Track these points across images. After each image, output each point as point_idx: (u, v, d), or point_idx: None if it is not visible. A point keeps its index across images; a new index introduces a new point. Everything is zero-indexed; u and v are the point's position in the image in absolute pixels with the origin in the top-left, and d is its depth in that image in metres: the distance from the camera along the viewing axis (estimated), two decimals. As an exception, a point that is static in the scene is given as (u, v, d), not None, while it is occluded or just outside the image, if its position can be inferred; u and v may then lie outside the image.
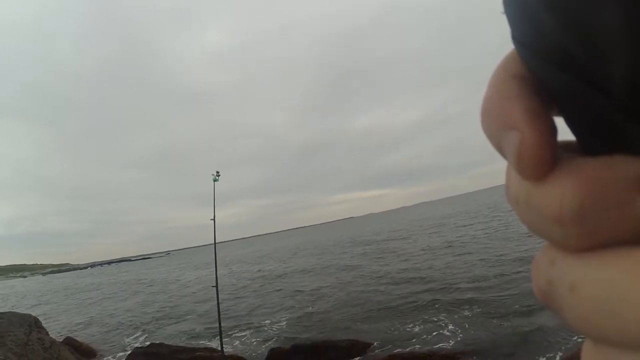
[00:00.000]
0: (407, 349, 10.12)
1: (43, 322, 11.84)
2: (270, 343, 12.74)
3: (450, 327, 11.21)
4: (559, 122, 0.24)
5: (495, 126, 0.24)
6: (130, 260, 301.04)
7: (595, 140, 0.22)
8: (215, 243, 11.19)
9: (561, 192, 0.22)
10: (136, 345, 14.42)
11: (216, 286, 10.55)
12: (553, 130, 0.22)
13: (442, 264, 20.96)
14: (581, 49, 0.22)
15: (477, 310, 12.16)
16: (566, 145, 0.24)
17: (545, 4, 0.22)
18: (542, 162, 0.22)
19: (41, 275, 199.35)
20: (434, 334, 10.91)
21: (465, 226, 40.88)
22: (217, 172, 11.47)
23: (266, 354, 11.43)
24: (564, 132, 0.24)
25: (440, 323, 11.63)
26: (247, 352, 12.31)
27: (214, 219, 11.09)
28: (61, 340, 13.74)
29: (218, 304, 10.36)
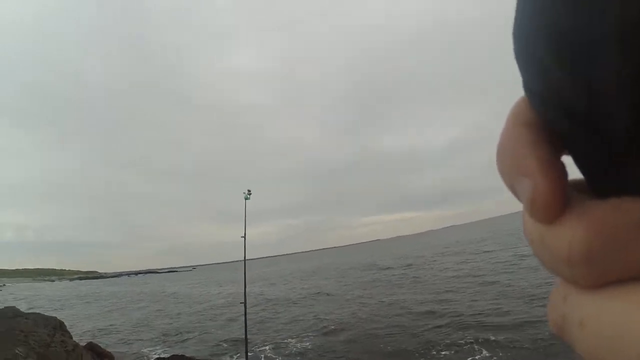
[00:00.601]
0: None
1: (67, 325, 11.84)
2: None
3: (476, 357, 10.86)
4: (568, 161, 0.24)
5: (509, 171, 0.24)
6: (157, 272, 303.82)
7: (602, 181, 0.24)
8: (245, 260, 11.11)
9: (571, 235, 0.24)
10: (157, 355, 14.33)
11: (244, 303, 10.43)
12: (563, 176, 0.24)
13: (466, 291, 20.53)
14: (585, 101, 0.24)
15: (505, 340, 11.74)
16: (576, 184, 0.25)
17: (553, 58, 0.24)
18: (553, 207, 0.24)
19: (68, 281, 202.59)
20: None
21: (489, 252, 40.21)
22: (249, 191, 11.48)
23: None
24: (574, 171, 0.24)
25: (464, 352, 11.31)
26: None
27: (244, 237, 11.03)
28: (84, 344, 13.72)
29: (245, 320, 10.22)
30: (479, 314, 15.26)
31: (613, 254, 0.24)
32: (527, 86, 0.24)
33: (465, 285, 23.40)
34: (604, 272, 0.24)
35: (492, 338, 11.95)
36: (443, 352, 11.69)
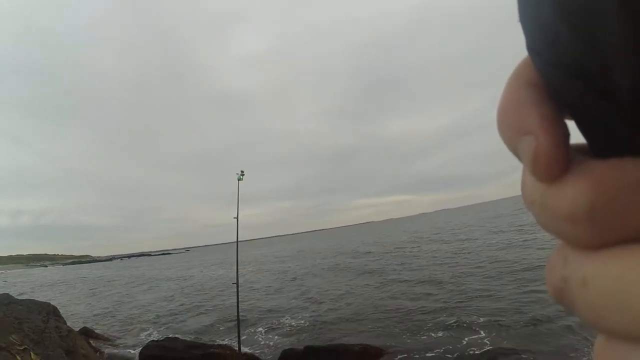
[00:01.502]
0: (419, 356, 10.02)
1: (61, 311, 11.97)
2: (283, 343, 12.73)
3: (466, 336, 11.09)
4: (571, 125, 0.25)
5: (511, 131, 0.25)
6: (150, 255, 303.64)
7: (604, 144, 0.24)
8: (237, 241, 11.19)
9: (573, 193, 0.24)
10: (151, 338, 14.51)
11: (237, 284, 10.56)
12: (566, 134, 0.24)
13: (454, 272, 20.80)
14: (591, 60, 0.24)
15: (495, 319, 12.00)
16: (578, 147, 0.25)
17: (559, 16, 0.24)
18: (556, 165, 0.24)
19: (61, 266, 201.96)
20: (448, 342, 10.79)
21: (481, 232, 40.50)
22: (242, 172, 11.48)
23: (279, 354, 11.42)
24: (576, 135, 0.25)
25: (455, 332, 11.52)
26: (260, 351, 12.33)
27: (237, 218, 11.10)
28: (78, 329, 13.88)
29: (238, 301, 10.36)
30: (468, 296, 15.50)
31: (615, 212, 0.24)
32: (530, 46, 0.25)
33: (453, 268, 23.69)
34: (606, 231, 0.24)
35: (481, 321, 12.15)
36: (428, 331, 11.91)
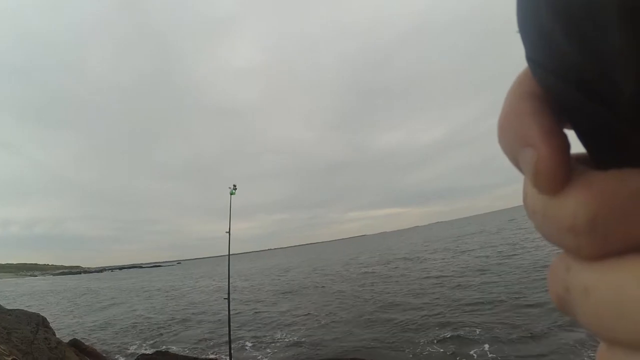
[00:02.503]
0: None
1: (50, 322, 11.81)
2: (275, 358, 12.61)
3: (463, 348, 11.03)
4: (571, 134, 0.25)
5: (511, 143, 0.25)
6: (141, 267, 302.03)
7: (605, 154, 0.24)
8: (229, 254, 11.13)
9: (575, 204, 0.24)
10: (141, 351, 14.32)
11: (228, 297, 10.47)
12: (566, 146, 0.24)
13: (448, 284, 20.71)
14: (592, 69, 0.24)
15: (494, 331, 11.91)
16: (578, 157, 0.25)
17: (559, 25, 0.24)
18: (557, 177, 0.24)
19: (52, 276, 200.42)
20: (444, 355, 10.72)
21: (472, 246, 40.55)
22: (234, 186, 11.47)
23: (272, 368, 11.32)
24: (576, 144, 0.25)
25: (451, 344, 11.43)
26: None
27: (229, 232, 11.04)
28: (67, 341, 13.68)
29: (229, 315, 10.27)
30: (463, 307, 15.43)
31: (616, 223, 0.24)
32: (530, 56, 0.24)
33: (446, 280, 23.61)
34: (608, 241, 0.24)
35: (477, 334, 12.10)
36: (424, 344, 11.83)
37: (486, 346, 10.88)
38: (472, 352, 10.61)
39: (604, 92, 0.24)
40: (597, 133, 0.24)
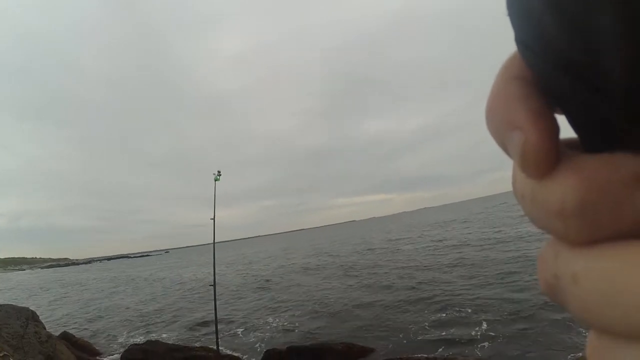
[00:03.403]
0: (405, 355, 10.06)
1: (40, 315, 11.83)
2: (266, 344, 12.73)
3: (451, 331, 11.18)
4: (562, 120, 0.24)
5: (499, 126, 0.25)
6: (129, 257, 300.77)
7: (595, 139, 0.24)
8: (214, 242, 11.16)
9: (563, 188, 0.23)
10: (132, 341, 14.41)
11: (214, 285, 10.54)
12: (555, 129, 0.23)
13: (438, 268, 20.94)
14: (582, 53, 0.23)
15: (481, 314, 12.08)
16: (568, 142, 0.25)
17: (549, 8, 0.23)
18: (545, 161, 0.23)
19: (40, 269, 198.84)
20: (434, 340, 10.84)
21: (463, 228, 40.92)
22: (219, 172, 11.41)
23: (262, 355, 11.42)
24: (567, 130, 0.25)
25: (439, 328, 11.61)
26: (243, 352, 12.31)
27: (213, 219, 11.05)
28: (57, 334, 13.73)
29: (215, 303, 10.36)
30: (453, 292, 15.62)
31: (605, 207, 0.24)
32: (519, 39, 0.24)
33: (436, 265, 23.89)
34: (596, 226, 0.24)
35: (465, 316, 12.31)
36: (413, 328, 11.98)
37: (484, 326, 11.09)
38: (472, 332, 10.82)
39: (594, 77, 0.24)
40: (586, 117, 0.24)
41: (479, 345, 9.94)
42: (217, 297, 10.72)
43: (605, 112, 0.24)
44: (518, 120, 0.24)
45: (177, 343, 13.34)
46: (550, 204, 0.24)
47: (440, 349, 10.12)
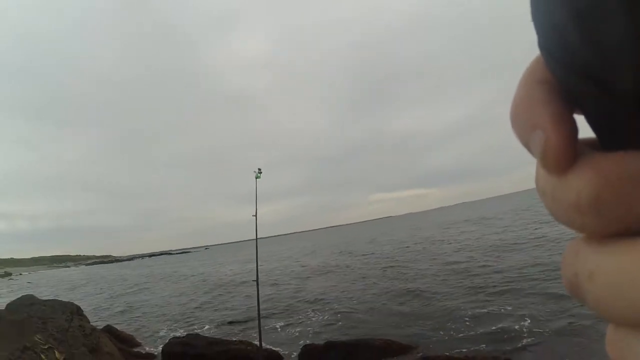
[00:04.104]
0: (444, 352, 9.88)
1: (84, 310, 12.08)
2: (304, 339, 12.73)
3: (492, 328, 10.92)
4: (581, 120, 0.26)
5: (522, 127, 0.26)
6: (170, 253, 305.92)
7: (612, 138, 0.25)
8: (257, 238, 11.14)
9: (579, 184, 0.25)
10: (172, 335, 14.61)
11: (257, 281, 10.54)
12: (574, 130, 0.26)
13: (481, 265, 20.54)
14: (597, 59, 0.25)
15: (524, 310, 11.77)
16: (588, 142, 0.26)
17: (568, 15, 0.25)
18: (564, 158, 0.26)
19: (84, 266, 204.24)
20: (473, 335, 10.64)
21: (507, 226, 40.09)
22: (259, 169, 11.38)
23: (300, 349, 11.43)
24: (587, 131, 0.26)
25: (479, 324, 11.36)
26: (281, 347, 12.33)
27: (255, 215, 11.03)
28: (101, 328, 14.02)
29: (258, 298, 10.35)
30: (497, 290, 15.32)
31: (619, 202, 0.25)
32: (542, 45, 0.26)
33: (479, 261, 23.48)
34: (612, 221, 0.25)
35: (512, 315, 12.06)
36: (454, 326, 11.78)
37: (527, 322, 10.81)
38: (515, 328, 10.57)
39: (609, 83, 0.25)
40: (604, 120, 0.25)
41: (522, 342, 9.69)
42: (259, 293, 10.73)
43: (620, 114, 0.25)
44: (539, 121, 0.26)
45: (217, 337, 13.46)
46: (568, 199, 0.25)
47: (482, 346, 9.92)
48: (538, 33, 0.26)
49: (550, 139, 0.26)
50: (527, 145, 0.26)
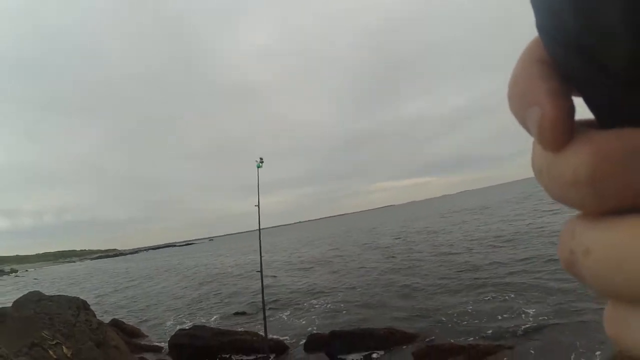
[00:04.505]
0: (448, 340, 9.93)
1: (90, 304, 12.16)
2: (309, 328, 12.83)
3: (497, 317, 10.95)
4: (580, 102, 0.26)
5: (519, 103, 0.26)
6: (175, 245, 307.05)
7: (608, 117, 0.26)
8: (259, 229, 11.16)
9: (576, 160, 0.26)
10: (179, 327, 14.71)
11: (261, 271, 10.57)
12: (571, 107, 0.26)
13: (483, 255, 20.57)
14: (592, 35, 0.26)
15: (528, 300, 11.78)
16: (585, 122, 0.26)
17: None
18: (560, 134, 0.26)
19: (89, 261, 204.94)
20: (477, 325, 10.67)
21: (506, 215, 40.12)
22: (261, 159, 11.34)
23: (305, 339, 11.51)
24: (585, 112, 0.27)
25: (484, 314, 11.41)
26: (286, 336, 12.43)
27: (258, 205, 11.02)
28: (108, 322, 14.12)
29: (262, 288, 10.40)
30: (501, 279, 15.36)
31: (615, 178, 0.26)
32: (539, 25, 0.26)
33: (484, 250, 23.53)
34: (608, 196, 0.26)
35: (509, 301, 12.13)
36: (456, 315, 11.84)
37: (531, 311, 10.84)
38: (519, 319, 10.57)
39: (604, 59, 0.26)
40: (599, 98, 0.26)
41: (525, 332, 9.69)
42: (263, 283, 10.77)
43: (614, 90, 0.26)
44: (536, 97, 0.26)
45: (223, 328, 13.55)
46: (564, 175, 0.26)
47: (486, 334, 9.97)
48: (535, 12, 0.26)
49: (546, 114, 0.26)
50: (523, 122, 0.26)
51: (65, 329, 9.07)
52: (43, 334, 8.08)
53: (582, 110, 0.26)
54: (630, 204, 0.26)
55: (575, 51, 0.26)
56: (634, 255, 0.26)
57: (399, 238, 37.59)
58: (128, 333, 14.96)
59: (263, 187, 11.14)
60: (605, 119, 0.26)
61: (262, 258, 10.66)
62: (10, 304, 10.26)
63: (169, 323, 17.17)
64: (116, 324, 15.46)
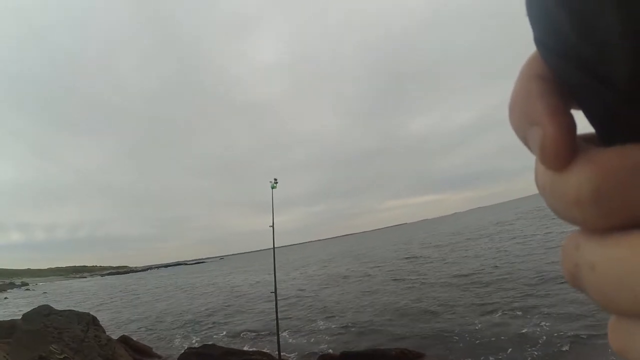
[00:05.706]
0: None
1: (100, 320, 12.12)
2: (319, 349, 12.65)
3: (508, 334, 10.75)
4: (580, 115, 0.26)
5: (520, 122, 0.26)
6: (186, 264, 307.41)
7: (610, 132, 0.26)
8: (274, 248, 11.10)
9: (579, 178, 0.26)
10: (188, 345, 14.58)
11: (275, 292, 10.47)
12: (572, 124, 0.26)
13: (498, 271, 20.30)
14: (592, 49, 0.26)
15: (539, 316, 11.56)
16: (586, 137, 0.26)
17: (563, 8, 0.26)
18: (562, 154, 0.26)
19: (100, 277, 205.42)
20: (488, 342, 10.48)
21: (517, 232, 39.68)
22: (275, 180, 11.35)
23: (316, 358, 11.35)
24: (586, 126, 0.26)
25: (494, 331, 11.17)
26: (297, 357, 12.26)
27: (272, 226, 10.97)
28: (117, 338, 14.04)
29: (277, 309, 10.29)
30: (516, 298, 15.14)
31: (619, 195, 0.26)
32: (538, 40, 0.26)
33: (496, 267, 23.24)
34: (612, 214, 0.26)
35: (523, 321, 11.90)
36: (468, 335, 11.64)
37: (541, 327, 10.66)
38: (535, 333, 10.41)
39: (604, 73, 0.26)
40: (601, 112, 0.25)
41: (540, 349, 9.50)
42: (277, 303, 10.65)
43: (615, 104, 0.26)
44: (537, 116, 0.26)
45: (233, 347, 13.41)
46: (568, 194, 0.26)
47: (500, 353, 9.76)
48: (533, 26, 0.26)
49: (547, 134, 0.26)
50: (524, 140, 0.26)
51: (74, 343, 9.03)
52: (51, 347, 8.02)
53: (582, 123, 0.26)
54: (634, 220, 0.26)
55: (574, 64, 0.26)
56: (638, 271, 0.26)
57: (411, 257, 37.25)
58: (137, 350, 14.85)
59: (275, 205, 11.09)
60: (605, 132, 0.26)
61: (269, 278, 10.57)
62: (20, 317, 10.25)
63: (177, 341, 17.04)
64: (125, 340, 15.37)
